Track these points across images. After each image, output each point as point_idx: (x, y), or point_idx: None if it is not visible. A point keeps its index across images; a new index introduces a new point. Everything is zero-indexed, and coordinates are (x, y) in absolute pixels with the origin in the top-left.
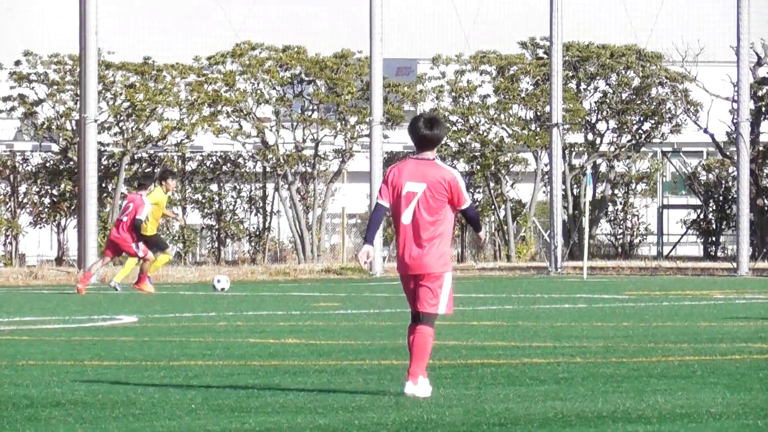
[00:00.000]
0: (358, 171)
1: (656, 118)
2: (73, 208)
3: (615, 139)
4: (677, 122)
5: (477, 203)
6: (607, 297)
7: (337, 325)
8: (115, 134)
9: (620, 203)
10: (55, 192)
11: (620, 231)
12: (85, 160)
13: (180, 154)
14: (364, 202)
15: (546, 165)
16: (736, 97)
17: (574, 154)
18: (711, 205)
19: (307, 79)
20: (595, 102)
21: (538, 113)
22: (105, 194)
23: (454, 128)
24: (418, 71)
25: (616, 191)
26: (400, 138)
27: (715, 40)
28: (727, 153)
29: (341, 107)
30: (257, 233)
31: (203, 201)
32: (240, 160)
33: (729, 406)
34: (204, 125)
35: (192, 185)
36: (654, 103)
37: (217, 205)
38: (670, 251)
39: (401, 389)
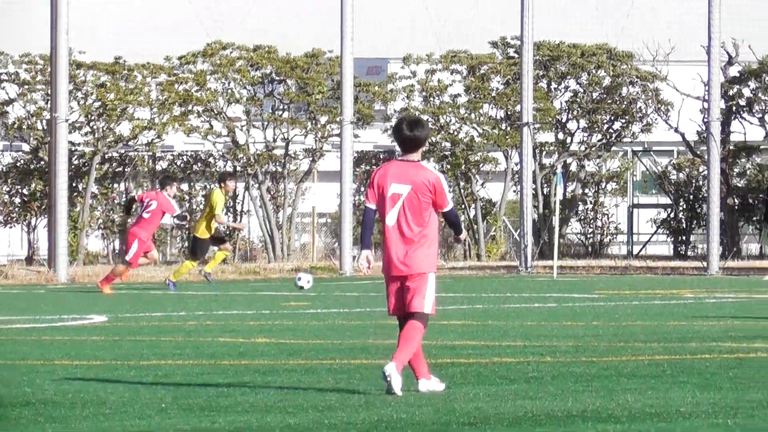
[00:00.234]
0: (328, 170)
1: (627, 117)
2: (43, 207)
3: (585, 139)
4: (648, 121)
5: None
6: (577, 296)
7: (307, 324)
8: (86, 134)
9: (590, 202)
10: (25, 191)
11: (590, 230)
12: (56, 160)
13: (151, 153)
14: (335, 201)
15: (516, 164)
16: (706, 97)
17: (544, 153)
18: (681, 204)
19: (277, 78)
20: (566, 101)
21: (509, 112)
22: (76, 194)
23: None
24: (388, 71)
25: (586, 190)
26: (371, 137)
27: (686, 39)
28: (698, 152)
29: (312, 107)
30: (227, 232)
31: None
32: (210, 159)
33: (699, 405)
34: (175, 125)
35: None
36: (625, 103)
37: (187, 205)
38: (640, 250)
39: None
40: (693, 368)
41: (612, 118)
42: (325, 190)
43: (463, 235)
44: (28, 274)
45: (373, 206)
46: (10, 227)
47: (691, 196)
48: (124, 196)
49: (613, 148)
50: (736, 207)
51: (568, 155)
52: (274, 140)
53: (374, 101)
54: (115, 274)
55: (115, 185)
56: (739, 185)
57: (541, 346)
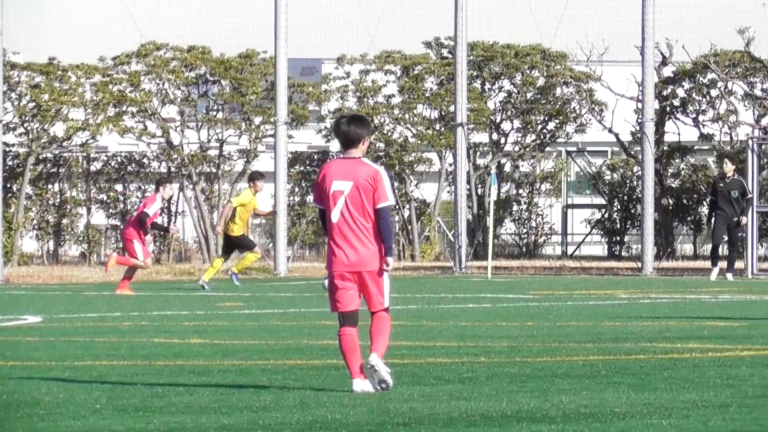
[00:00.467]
0: (263, 171)
1: (561, 117)
2: None
3: (519, 139)
4: (582, 122)
5: None
6: (511, 296)
7: (242, 324)
8: (20, 135)
9: (525, 203)
10: None
11: (525, 231)
12: None
13: (85, 154)
14: (269, 202)
15: (450, 165)
16: (640, 97)
17: (478, 153)
18: (615, 204)
19: (212, 79)
20: (500, 102)
21: (443, 113)
22: (10, 195)
23: None
24: (322, 71)
25: (520, 191)
26: (305, 138)
27: (620, 39)
28: (632, 152)
29: (246, 107)
30: (162, 233)
31: (108, 201)
32: (145, 160)
33: (633, 405)
34: (109, 125)
35: (97, 185)
36: (559, 103)
37: (122, 206)
38: (575, 251)
39: (367, 362)
40: (627, 369)
41: (546, 118)
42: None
43: (391, 262)
44: None
45: (319, 206)
46: None
47: (626, 197)
48: (58, 197)
49: (547, 149)
50: (671, 207)
51: (502, 156)
52: (209, 141)
53: (308, 102)
54: (129, 273)
55: (50, 186)
56: (673, 186)
57: (475, 346)
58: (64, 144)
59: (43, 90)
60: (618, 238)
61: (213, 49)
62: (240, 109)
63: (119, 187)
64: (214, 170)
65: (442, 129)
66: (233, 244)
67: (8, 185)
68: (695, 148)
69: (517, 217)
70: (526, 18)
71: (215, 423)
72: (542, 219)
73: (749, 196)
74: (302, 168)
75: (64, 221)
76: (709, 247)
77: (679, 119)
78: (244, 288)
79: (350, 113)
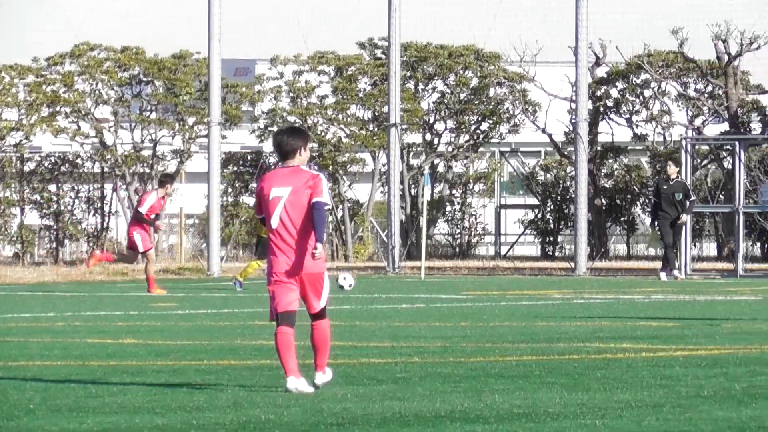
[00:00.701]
0: (196, 171)
1: (494, 118)
2: None
3: (453, 139)
4: (515, 122)
5: None
6: (444, 297)
7: (175, 325)
8: None
9: (458, 203)
10: None
11: (458, 231)
12: None
13: (19, 154)
14: (202, 202)
15: (384, 165)
16: (574, 97)
17: (411, 154)
18: (549, 204)
19: (145, 79)
20: (433, 102)
21: (376, 113)
22: None
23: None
24: (256, 72)
25: (454, 191)
26: (239, 138)
27: (553, 40)
28: (565, 153)
29: (179, 108)
30: (95, 233)
31: (41, 201)
32: (78, 160)
33: (567, 405)
34: (43, 126)
35: (30, 186)
36: (492, 103)
37: (55, 206)
38: (508, 251)
39: (312, 381)
40: (561, 369)
41: (479, 118)
42: (192, 191)
43: (318, 251)
44: None
45: (259, 216)
46: None
47: (559, 197)
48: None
49: (481, 149)
50: (604, 208)
51: (435, 156)
52: (142, 141)
53: (242, 102)
54: (148, 273)
55: None
56: (607, 186)
57: (409, 346)
58: None
59: None
60: (551, 239)
61: (146, 49)
62: (173, 110)
63: (53, 188)
64: (147, 170)
65: (376, 129)
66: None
67: None
68: (628, 148)
69: (450, 218)
70: (460, 19)
71: (149, 423)
72: (475, 219)
73: (692, 198)
74: (236, 168)
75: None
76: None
77: (612, 120)
78: (178, 288)
79: (288, 126)
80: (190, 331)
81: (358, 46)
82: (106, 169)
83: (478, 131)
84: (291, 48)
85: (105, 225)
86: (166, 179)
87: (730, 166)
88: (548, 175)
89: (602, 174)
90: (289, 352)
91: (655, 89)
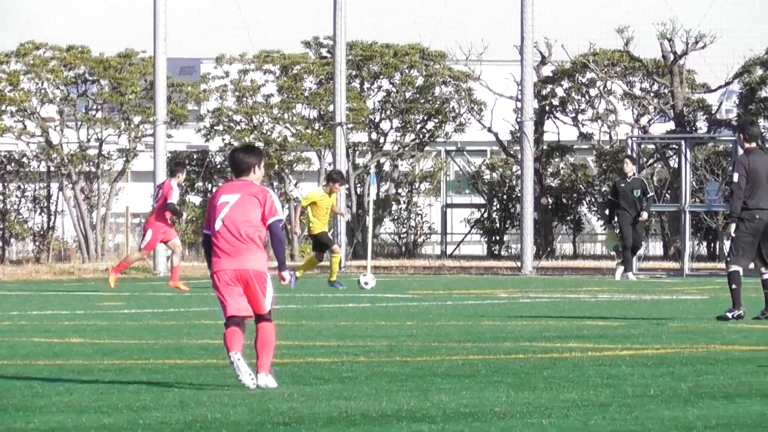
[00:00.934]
0: (142, 170)
1: (440, 117)
2: None
3: (399, 138)
4: (461, 121)
5: None
6: (390, 296)
7: (122, 324)
8: None
9: (404, 202)
10: None
11: (404, 230)
12: None
13: None
14: (148, 201)
15: (330, 164)
16: (519, 96)
17: (357, 153)
18: (495, 204)
19: (91, 78)
20: (379, 101)
21: (322, 112)
22: None
23: (238, 128)
24: (201, 71)
25: (399, 190)
26: (184, 137)
27: (499, 39)
28: (511, 152)
29: (125, 107)
30: (42, 233)
31: None
32: (24, 159)
33: (513, 404)
34: None
35: None
36: (437, 102)
37: (1, 205)
38: (454, 250)
39: (253, 381)
40: (507, 368)
41: (425, 117)
42: (138, 190)
43: (287, 276)
44: None
45: (205, 232)
46: None
47: (505, 196)
48: None
49: (427, 148)
50: (550, 207)
51: (381, 155)
52: (88, 140)
53: (187, 101)
54: (128, 262)
55: None
56: (553, 185)
57: (355, 346)
58: None
59: None
60: (497, 238)
61: (92, 48)
62: (119, 109)
63: None
64: (93, 169)
65: (321, 128)
66: (318, 242)
67: None
68: (574, 147)
69: (396, 217)
70: (406, 17)
71: (96, 422)
72: (421, 218)
73: (650, 194)
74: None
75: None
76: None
77: (558, 118)
78: (124, 287)
79: (243, 144)
80: (136, 330)
81: (304, 45)
82: (52, 168)
83: (424, 130)
84: (236, 47)
85: (51, 224)
86: (178, 168)
87: (676, 165)
88: (494, 174)
89: (548, 173)
90: (236, 339)
91: (601, 88)
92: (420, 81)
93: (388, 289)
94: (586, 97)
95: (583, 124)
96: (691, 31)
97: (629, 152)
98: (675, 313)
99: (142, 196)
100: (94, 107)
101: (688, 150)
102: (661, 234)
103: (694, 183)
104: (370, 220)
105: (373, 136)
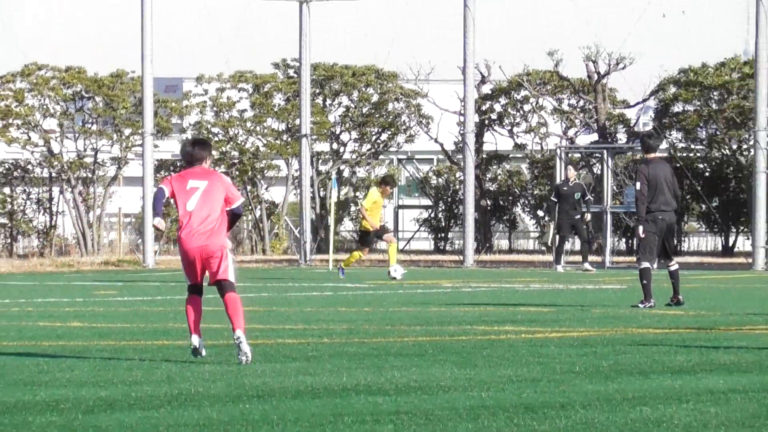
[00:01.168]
0: (132, 176)
1: (393, 129)
2: None
3: (356, 148)
4: (411, 133)
5: None
6: (350, 286)
7: (116, 310)
8: None
9: (361, 204)
10: None
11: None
12: None
13: None
14: (138, 203)
15: (296, 170)
16: (462, 111)
17: (320, 161)
18: (440, 205)
19: (87, 95)
20: (339, 115)
21: (289, 125)
22: None
23: (216, 139)
24: (184, 88)
25: (357, 193)
26: (169, 147)
27: (445, 60)
28: (455, 160)
29: (117, 120)
30: (45, 230)
31: None
32: (29, 166)
33: (456, 380)
34: None
35: None
36: (391, 117)
37: (9, 206)
38: (405, 246)
39: (233, 337)
40: (451, 348)
41: (380, 130)
42: (129, 193)
43: (229, 246)
44: None
45: (166, 188)
46: None
47: (449, 199)
48: None
49: (381, 157)
50: (489, 208)
51: (341, 163)
52: (85, 150)
53: (171, 115)
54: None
55: None
56: (491, 189)
57: (319, 329)
58: None
59: None
60: (443, 235)
61: (88, 69)
62: (112, 122)
63: (6, 190)
64: (89, 175)
65: (289, 139)
66: (363, 237)
67: None
68: (510, 156)
69: (354, 217)
70: (363, 41)
71: (93, 395)
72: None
73: (588, 197)
74: (167, 174)
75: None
76: (520, 242)
77: (495, 131)
78: (117, 277)
79: (194, 138)
80: (129, 315)
81: (273, 66)
82: (53, 174)
83: (379, 141)
84: (214, 67)
85: (53, 223)
86: (390, 180)
87: (599, 172)
88: (440, 180)
89: (487, 178)
90: (195, 315)
91: (533, 104)
92: (375, 98)
93: (347, 280)
94: (521, 112)
95: (517, 136)
96: (612, 54)
97: (558, 161)
98: (597, 301)
99: (132, 198)
100: (90, 121)
101: (609, 158)
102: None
103: (614, 187)
104: (332, 220)
105: (334, 146)
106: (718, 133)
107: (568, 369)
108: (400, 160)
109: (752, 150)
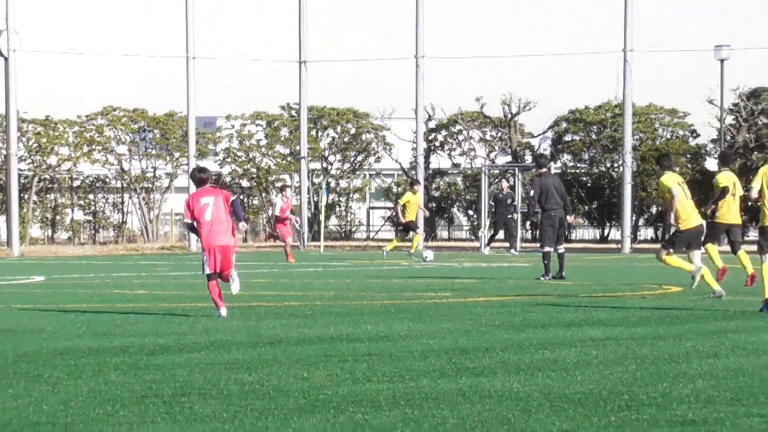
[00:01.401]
0: (180, 186)
1: (365, 153)
2: (2, 209)
3: (340, 166)
4: (378, 156)
5: (254, 206)
6: (335, 264)
7: (169, 282)
8: (28, 163)
9: (343, 206)
10: None
11: (343, 223)
12: (10, 180)
13: (69, 176)
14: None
15: (297, 182)
16: (415, 140)
17: (314, 175)
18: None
19: (148, 129)
20: (327, 143)
21: (292, 150)
22: (23, 201)
23: (240, 160)
24: (217, 124)
25: (341, 198)
26: (206, 166)
27: (403, 103)
28: (410, 175)
29: (169, 146)
30: (118, 225)
31: (84, 204)
32: (107, 179)
33: (411, 331)
34: (84, 158)
35: (77, 195)
36: (364, 144)
37: (93, 208)
38: (374, 236)
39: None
40: (408, 309)
41: (356, 153)
42: (178, 199)
43: (242, 224)
44: None
45: (189, 221)
46: None
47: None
48: (53, 202)
49: (357, 172)
50: (434, 209)
51: (329, 176)
52: (147, 167)
53: (208, 143)
54: (287, 251)
55: (47, 196)
56: (435, 195)
57: (313, 294)
58: (56, 169)
59: (42, 136)
60: (402, 228)
61: (148, 109)
62: (165, 148)
63: (91, 196)
64: (150, 185)
65: (292, 160)
66: (407, 228)
67: (21, 195)
68: (449, 171)
69: (339, 215)
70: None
71: (153, 342)
72: (354, 216)
73: (515, 202)
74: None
75: (57, 217)
76: (456, 233)
77: (439, 154)
78: (170, 258)
79: (198, 167)
80: (178, 285)
81: (281, 108)
82: (124, 185)
83: (356, 161)
84: (239, 108)
85: (124, 220)
86: (284, 188)
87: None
88: (399, 189)
89: (433, 188)
90: (217, 294)
91: (465, 135)
92: (353, 131)
93: (333, 259)
94: (456, 140)
95: (454, 158)
96: (521, 99)
97: (483, 176)
98: (511, 275)
99: (180, 202)
100: (150, 147)
101: (519, 174)
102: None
103: (522, 194)
104: (322, 217)
105: (324, 164)
106: (596, 155)
107: (490, 323)
108: (370, 175)
109: (621, 167)
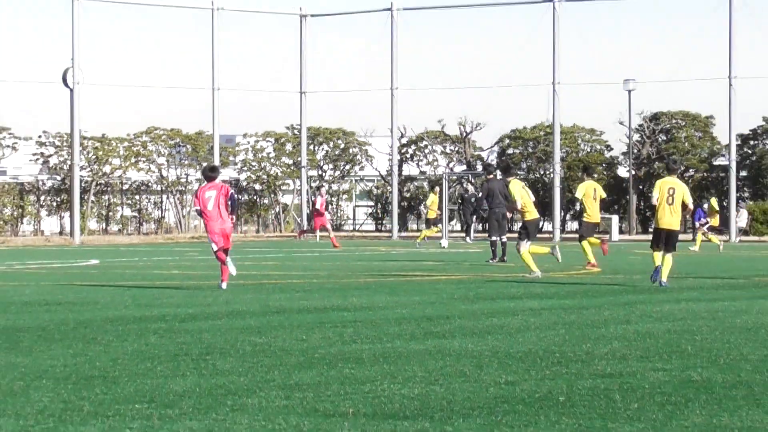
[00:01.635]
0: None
1: (352, 163)
2: (67, 207)
3: (332, 173)
4: (362, 165)
5: (264, 205)
6: (329, 250)
7: (197, 264)
8: (88, 171)
9: (335, 204)
10: (57, 199)
11: (335, 217)
12: (73, 184)
13: (121, 182)
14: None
15: (298, 186)
16: (391, 153)
17: (312, 180)
18: (379, 205)
19: (182, 144)
20: (322, 156)
21: (295, 161)
22: (82, 200)
23: (254, 168)
24: (236, 140)
25: (334, 198)
26: (228, 174)
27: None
28: (387, 180)
29: (198, 158)
30: (158, 219)
31: (131, 203)
32: (149, 184)
33: (389, 302)
34: (132, 167)
35: (126, 196)
36: (351, 156)
37: (138, 206)
38: (359, 227)
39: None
40: (385, 285)
41: (345, 163)
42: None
43: (231, 218)
44: (60, 239)
45: (197, 208)
46: (51, 216)
47: (384, 201)
48: (107, 202)
49: (346, 178)
50: (405, 206)
51: (324, 182)
52: (181, 175)
53: (229, 155)
54: (330, 235)
55: (103, 197)
56: (407, 196)
57: (311, 274)
58: (109, 176)
59: (99, 149)
60: (381, 222)
61: (182, 129)
62: (196, 159)
63: (136, 197)
64: (183, 188)
65: (294, 168)
66: (428, 222)
67: (82, 196)
68: (417, 177)
69: (332, 211)
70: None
71: (184, 312)
72: (343, 212)
73: (474, 200)
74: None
75: (110, 214)
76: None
77: (410, 163)
78: (198, 246)
79: (210, 165)
80: (205, 266)
81: (286, 128)
82: (163, 188)
83: (344, 169)
84: (253, 128)
85: (162, 216)
86: (318, 190)
87: (467, 187)
88: (379, 191)
89: (405, 190)
90: (222, 259)
91: (430, 149)
92: (342, 145)
93: (326, 246)
94: (423, 153)
95: (421, 167)
96: (474, 121)
97: (445, 182)
98: (467, 258)
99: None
100: (184, 158)
101: (472, 179)
102: (461, 221)
103: (476, 196)
104: None
105: (320, 172)
106: (532, 165)
107: (450, 296)
108: (356, 181)
109: (552, 175)
